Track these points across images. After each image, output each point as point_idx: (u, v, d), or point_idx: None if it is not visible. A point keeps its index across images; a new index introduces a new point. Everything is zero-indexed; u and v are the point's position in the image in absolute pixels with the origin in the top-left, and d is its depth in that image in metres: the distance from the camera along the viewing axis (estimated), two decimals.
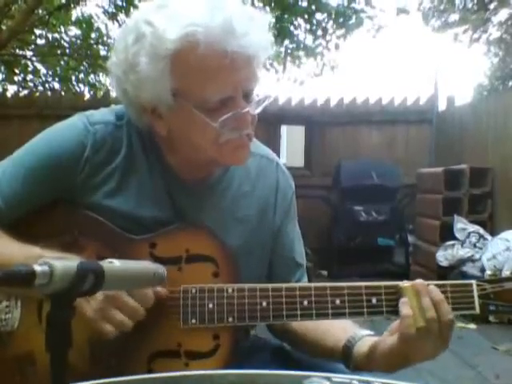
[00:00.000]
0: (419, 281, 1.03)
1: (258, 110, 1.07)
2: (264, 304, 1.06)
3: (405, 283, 1.03)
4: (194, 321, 1.06)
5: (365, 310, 1.04)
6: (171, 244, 1.10)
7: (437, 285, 1.04)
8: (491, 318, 4.06)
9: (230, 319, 1.05)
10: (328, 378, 0.96)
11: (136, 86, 1.02)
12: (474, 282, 1.04)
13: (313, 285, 1.06)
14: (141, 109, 1.07)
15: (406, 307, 1.00)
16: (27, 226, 1.11)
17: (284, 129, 7.02)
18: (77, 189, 1.11)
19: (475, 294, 1.03)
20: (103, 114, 1.15)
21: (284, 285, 1.08)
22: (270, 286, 1.07)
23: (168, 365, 1.06)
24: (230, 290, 1.06)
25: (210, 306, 1.06)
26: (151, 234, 1.10)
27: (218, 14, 0.95)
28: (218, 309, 1.06)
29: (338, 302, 1.04)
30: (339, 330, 1.11)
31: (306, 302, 1.05)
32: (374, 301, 1.04)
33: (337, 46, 8.21)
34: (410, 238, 6.19)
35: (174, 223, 1.12)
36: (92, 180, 1.11)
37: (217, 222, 1.14)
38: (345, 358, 1.07)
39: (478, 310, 1.02)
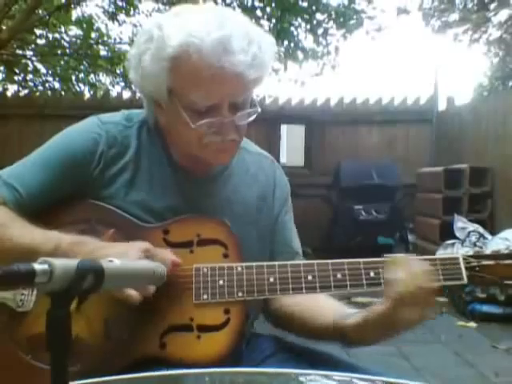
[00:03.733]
0: (407, 255, 1.12)
1: (246, 122, 1.16)
2: (271, 279, 1.13)
3: (396, 255, 1.11)
4: (205, 296, 1.12)
5: (364, 282, 1.12)
6: (183, 230, 1.18)
7: (426, 259, 1.13)
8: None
9: (240, 294, 1.12)
10: (328, 377, 0.97)
11: (142, 78, 1.15)
12: (460, 255, 1.13)
13: (316, 262, 1.14)
14: (147, 98, 1.20)
15: (398, 273, 1.07)
16: (44, 218, 1.17)
17: (284, 128, 7.03)
18: (93, 182, 1.19)
19: (462, 266, 1.12)
20: (113, 116, 1.27)
21: (289, 262, 1.16)
22: (276, 263, 1.15)
23: (181, 338, 1.12)
24: (239, 268, 1.13)
25: (221, 282, 1.13)
26: (164, 222, 1.19)
27: (216, 30, 1.05)
28: (228, 284, 1.12)
29: (339, 275, 1.12)
30: (331, 310, 1.19)
31: (310, 277, 1.12)
32: (372, 274, 1.12)
33: (337, 50, 8.21)
34: (410, 237, 6.20)
35: (185, 211, 1.20)
36: (107, 173, 1.20)
37: (220, 209, 1.23)
38: (337, 332, 1.14)
39: (465, 280, 1.11)
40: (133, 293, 1.06)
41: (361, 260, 1.13)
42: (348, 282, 1.12)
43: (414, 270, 1.07)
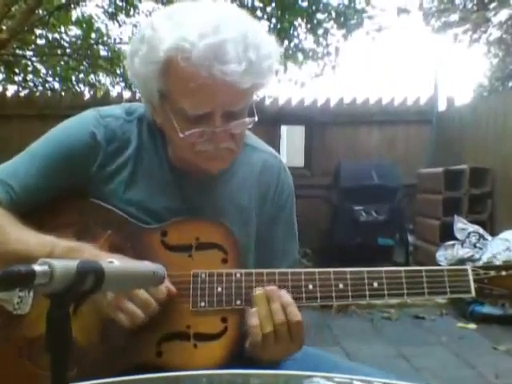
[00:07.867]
0: (271, 287, 1.08)
1: (241, 130, 1.11)
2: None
3: (257, 290, 1.08)
4: (203, 304, 1.10)
5: (367, 293, 1.08)
6: (182, 233, 1.15)
7: (433, 270, 1.09)
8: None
9: (238, 302, 1.09)
10: (329, 378, 0.96)
11: (134, 78, 1.11)
12: (468, 267, 1.08)
13: (317, 270, 1.11)
14: (143, 97, 1.16)
15: (252, 318, 1.06)
16: (41, 217, 1.15)
17: (284, 129, 7.02)
18: (91, 178, 1.16)
19: (470, 278, 1.07)
20: (113, 109, 1.22)
21: (290, 270, 1.12)
22: (276, 270, 1.11)
23: (177, 347, 1.09)
24: (238, 275, 1.10)
25: (219, 289, 1.10)
26: (162, 224, 1.15)
27: (209, 36, 0.98)
28: (227, 292, 1.10)
29: (341, 285, 1.09)
30: None
31: (310, 286, 1.09)
32: (375, 284, 1.09)
33: (337, 50, 8.20)
34: (410, 238, 6.19)
35: (183, 212, 1.17)
36: (106, 169, 1.17)
37: (220, 209, 1.20)
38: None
39: (473, 293, 1.06)
40: (121, 317, 1.05)
41: (364, 269, 1.10)
42: (350, 293, 1.09)
43: (274, 307, 1.06)
